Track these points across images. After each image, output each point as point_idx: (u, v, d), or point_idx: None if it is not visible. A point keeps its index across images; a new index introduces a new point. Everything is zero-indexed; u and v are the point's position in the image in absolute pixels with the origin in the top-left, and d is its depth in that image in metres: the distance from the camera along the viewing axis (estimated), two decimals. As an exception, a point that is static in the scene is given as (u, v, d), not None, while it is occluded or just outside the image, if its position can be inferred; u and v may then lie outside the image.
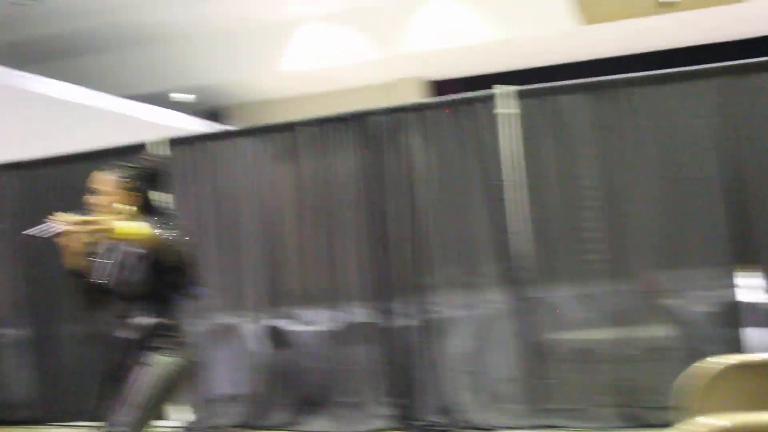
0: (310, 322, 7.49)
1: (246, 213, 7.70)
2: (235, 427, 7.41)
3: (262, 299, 7.63)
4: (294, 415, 7.38)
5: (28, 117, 12.30)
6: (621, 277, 6.65)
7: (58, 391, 8.33)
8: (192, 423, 7.62)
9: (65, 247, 3.50)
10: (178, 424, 7.70)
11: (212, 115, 18.52)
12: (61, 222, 3.42)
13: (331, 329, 7.38)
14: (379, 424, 6.98)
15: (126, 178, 3.56)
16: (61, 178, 8.11)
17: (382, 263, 7.22)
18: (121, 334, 3.52)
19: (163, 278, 3.48)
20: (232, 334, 7.71)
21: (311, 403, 7.35)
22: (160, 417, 3.58)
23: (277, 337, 7.63)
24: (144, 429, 3.43)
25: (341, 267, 7.33)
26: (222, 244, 7.76)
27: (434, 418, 6.83)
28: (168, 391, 3.47)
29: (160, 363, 3.43)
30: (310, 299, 7.48)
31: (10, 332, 8.62)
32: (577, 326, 6.76)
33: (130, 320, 3.51)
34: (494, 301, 6.92)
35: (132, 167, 3.62)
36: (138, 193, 3.56)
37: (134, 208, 3.54)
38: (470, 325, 6.98)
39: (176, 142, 8.02)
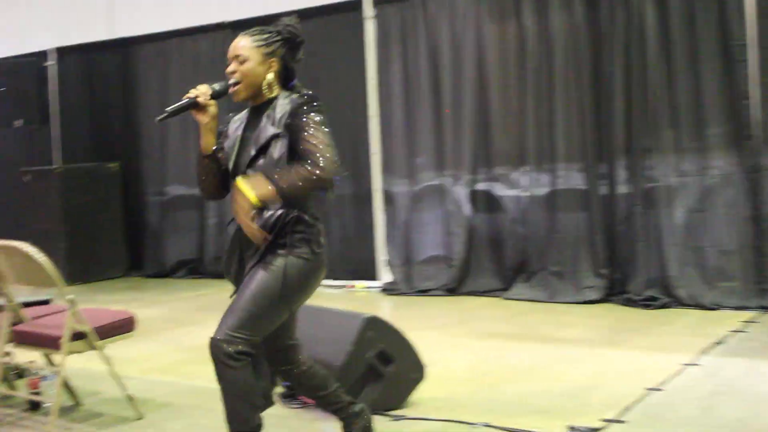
0: (522, 186, 7.24)
1: (460, 72, 7.38)
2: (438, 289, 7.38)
3: (474, 160, 7.38)
4: (501, 282, 7.24)
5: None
6: None
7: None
8: (391, 284, 7.65)
9: (200, 124, 3.12)
10: (377, 285, 7.77)
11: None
12: (194, 94, 3.07)
13: (544, 194, 7.09)
14: (591, 295, 6.69)
15: (264, 42, 3.09)
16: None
17: (603, 125, 6.77)
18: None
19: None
20: (441, 196, 7.57)
21: (520, 270, 7.17)
22: (289, 313, 3.10)
23: (488, 201, 7.43)
24: (264, 331, 3.00)
25: (559, 128, 6.93)
26: (434, 103, 7.55)
27: (649, 293, 6.47)
28: (292, 293, 2.99)
29: (284, 263, 2.96)
30: (523, 161, 7.18)
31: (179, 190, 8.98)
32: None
33: (258, 211, 2.98)
34: (719, 168, 6.38)
35: (271, 31, 3.12)
36: (276, 59, 3.09)
37: (272, 76, 3.09)
38: (692, 193, 6.49)
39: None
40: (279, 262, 2.97)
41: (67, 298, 3.92)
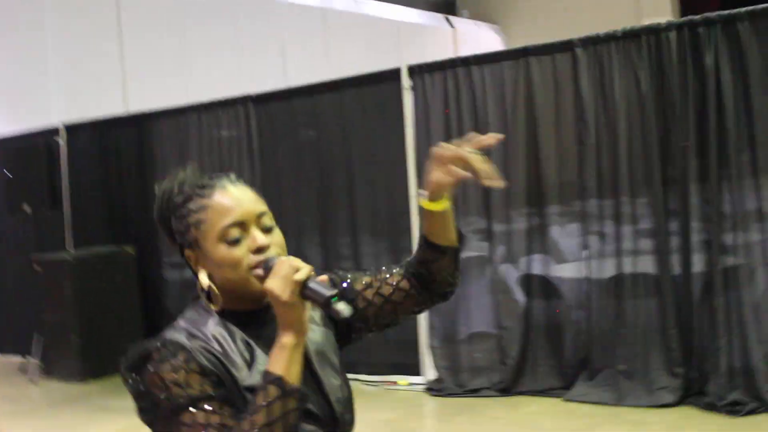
0: (573, 260, 6.56)
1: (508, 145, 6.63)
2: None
3: (528, 237, 6.69)
4: (561, 380, 6.49)
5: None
6: None
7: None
8: (437, 383, 6.92)
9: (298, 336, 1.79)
10: (421, 381, 7.06)
11: (446, 5, 17.73)
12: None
13: (603, 278, 6.38)
14: (666, 398, 5.94)
15: None
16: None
17: (671, 201, 6.07)
18: None
19: None
20: (485, 269, 6.89)
21: (581, 367, 6.44)
22: None
23: (538, 284, 6.73)
24: None
25: (624, 197, 6.22)
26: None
27: (736, 396, 5.71)
28: None
29: None
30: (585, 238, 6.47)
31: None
32: None
33: None
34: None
35: None
36: None
37: None
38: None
39: (419, 70, 7.08)
40: None
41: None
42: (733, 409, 5.66)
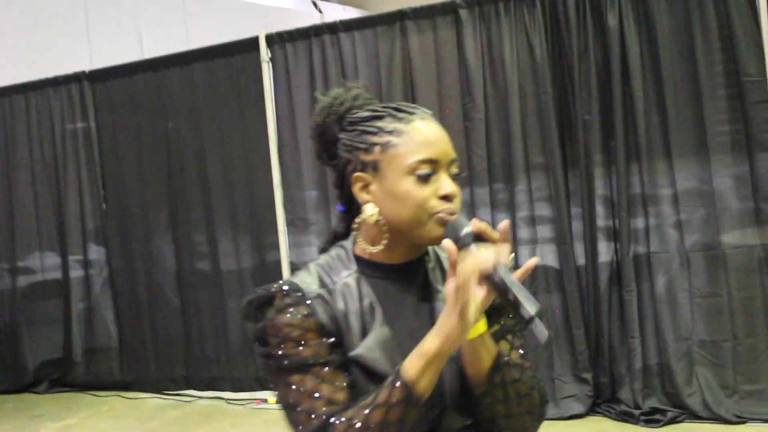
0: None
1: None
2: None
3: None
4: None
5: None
6: None
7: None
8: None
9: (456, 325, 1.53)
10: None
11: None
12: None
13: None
14: (574, 408, 5.22)
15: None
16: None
17: (571, 183, 5.33)
18: None
19: None
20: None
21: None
22: None
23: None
24: None
25: (519, 180, 5.45)
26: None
27: (652, 403, 5.03)
28: None
29: None
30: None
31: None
32: None
33: None
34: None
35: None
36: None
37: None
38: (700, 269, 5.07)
39: (279, 39, 6.15)
40: None
41: None
42: (652, 418, 4.97)
